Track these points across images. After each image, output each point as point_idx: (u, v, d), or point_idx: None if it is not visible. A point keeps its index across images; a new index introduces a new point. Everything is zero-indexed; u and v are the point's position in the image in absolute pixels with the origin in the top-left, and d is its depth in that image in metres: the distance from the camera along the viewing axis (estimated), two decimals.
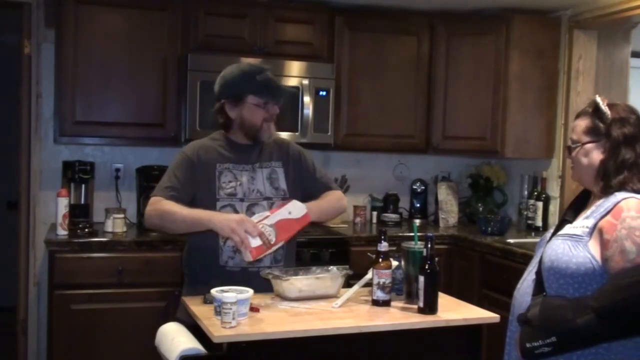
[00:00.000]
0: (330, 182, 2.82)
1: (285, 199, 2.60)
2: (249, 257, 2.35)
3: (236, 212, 2.54)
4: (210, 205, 2.52)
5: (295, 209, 2.46)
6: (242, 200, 2.58)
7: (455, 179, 4.73)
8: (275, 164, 2.68)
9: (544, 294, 1.96)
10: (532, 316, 1.88)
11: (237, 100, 2.57)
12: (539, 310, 1.87)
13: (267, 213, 2.43)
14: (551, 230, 2.15)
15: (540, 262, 2.03)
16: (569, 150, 2.12)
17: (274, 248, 2.41)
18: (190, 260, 2.71)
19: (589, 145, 2.05)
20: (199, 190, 2.57)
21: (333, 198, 2.73)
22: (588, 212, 2.02)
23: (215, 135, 2.70)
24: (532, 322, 1.87)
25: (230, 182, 2.59)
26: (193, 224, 2.44)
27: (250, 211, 2.56)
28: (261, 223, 2.38)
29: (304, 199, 2.64)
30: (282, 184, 2.66)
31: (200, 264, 2.62)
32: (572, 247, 1.95)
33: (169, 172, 2.61)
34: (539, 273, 2.02)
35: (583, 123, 2.07)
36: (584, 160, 2.06)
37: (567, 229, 2.03)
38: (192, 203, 2.53)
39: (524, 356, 1.86)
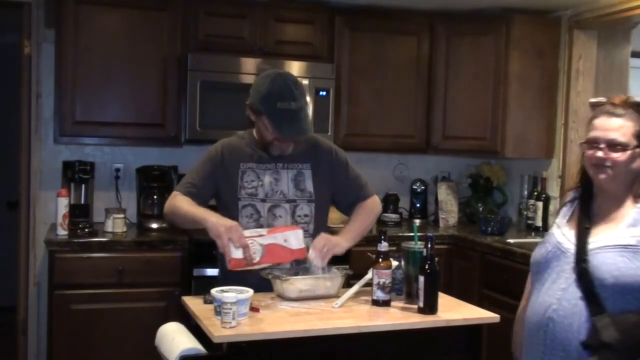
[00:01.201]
0: (361, 190, 2.74)
1: (311, 201, 2.60)
2: (228, 266, 2.37)
3: (257, 212, 2.56)
4: (233, 204, 2.56)
5: (293, 239, 2.41)
6: (263, 201, 2.57)
7: (455, 179, 4.72)
8: (302, 165, 2.63)
9: (606, 312, 1.81)
10: (610, 339, 1.74)
11: (256, 112, 2.53)
12: (618, 331, 1.75)
13: (264, 232, 2.42)
14: (569, 241, 1.98)
15: (587, 279, 1.86)
16: (615, 149, 1.93)
17: (256, 267, 2.40)
18: (219, 259, 2.72)
19: (638, 149, 1.93)
20: (222, 189, 2.61)
21: (364, 217, 2.72)
22: (628, 219, 1.90)
23: (245, 134, 2.69)
24: (612, 345, 1.74)
25: (252, 181, 2.58)
26: (194, 221, 2.50)
27: (271, 212, 2.57)
28: (252, 239, 2.37)
29: (333, 203, 2.71)
30: (309, 186, 2.61)
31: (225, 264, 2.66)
32: (632, 258, 1.84)
33: (192, 168, 2.67)
34: (588, 291, 1.86)
35: (631, 124, 1.93)
36: (633, 165, 1.93)
37: (613, 239, 1.89)
38: (217, 201, 2.62)
39: None
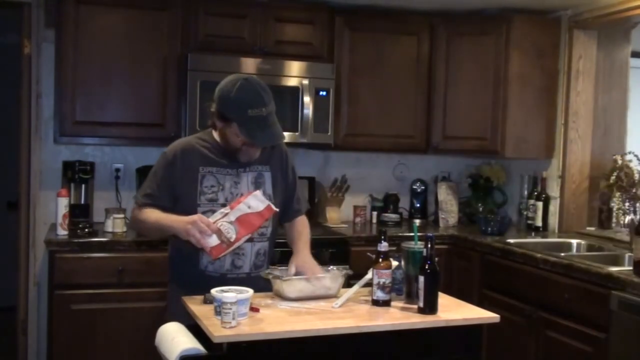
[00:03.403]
0: (300, 204, 2.77)
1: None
2: (211, 257, 2.36)
3: None
4: (191, 210, 2.45)
5: (255, 202, 2.36)
6: (224, 205, 2.46)
7: (455, 179, 4.73)
8: (262, 168, 2.58)
9: None
10: None
11: (224, 119, 2.47)
12: None
13: (227, 210, 2.36)
14: None
15: None
16: None
17: (237, 245, 2.36)
18: (173, 262, 2.68)
19: None
20: (180, 194, 2.53)
21: (306, 234, 2.71)
22: None
23: (203, 136, 2.61)
24: None
25: (212, 186, 2.52)
26: (162, 231, 2.48)
27: None
28: (220, 221, 2.33)
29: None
30: (268, 189, 2.57)
31: (182, 268, 2.60)
32: None
33: (150, 176, 2.59)
34: None
35: None
36: None
37: None
38: (174, 205, 2.51)
39: None
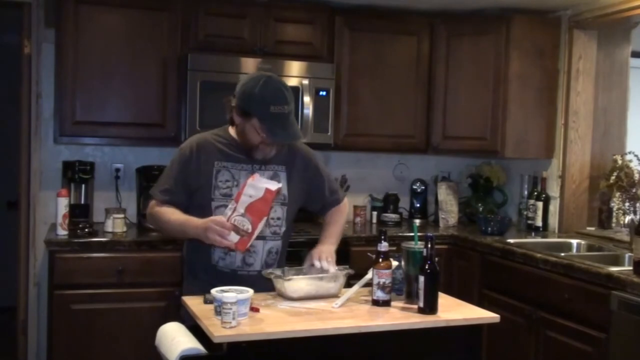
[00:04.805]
0: (336, 194, 2.81)
1: (284, 204, 2.58)
2: (239, 251, 2.41)
3: None
4: (205, 204, 2.50)
5: (253, 190, 2.35)
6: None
7: (455, 179, 4.73)
8: (278, 168, 2.60)
9: None
10: None
11: (244, 114, 2.48)
12: None
13: (234, 204, 2.35)
14: None
15: None
16: None
17: (257, 232, 2.36)
18: (187, 256, 2.73)
19: None
20: (195, 187, 2.55)
21: (341, 221, 2.81)
22: None
23: (220, 132, 2.63)
24: None
25: (227, 181, 2.55)
26: (185, 234, 2.50)
27: None
28: (233, 217, 2.33)
29: (305, 205, 2.72)
30: (283, 189, 2.57)
31: (196, 262, 2.64)
32: None
33: (166, 171, 2.62)
34: None
35: None
36: None
37: None
38: (189, 199, 2.55)
39: None
